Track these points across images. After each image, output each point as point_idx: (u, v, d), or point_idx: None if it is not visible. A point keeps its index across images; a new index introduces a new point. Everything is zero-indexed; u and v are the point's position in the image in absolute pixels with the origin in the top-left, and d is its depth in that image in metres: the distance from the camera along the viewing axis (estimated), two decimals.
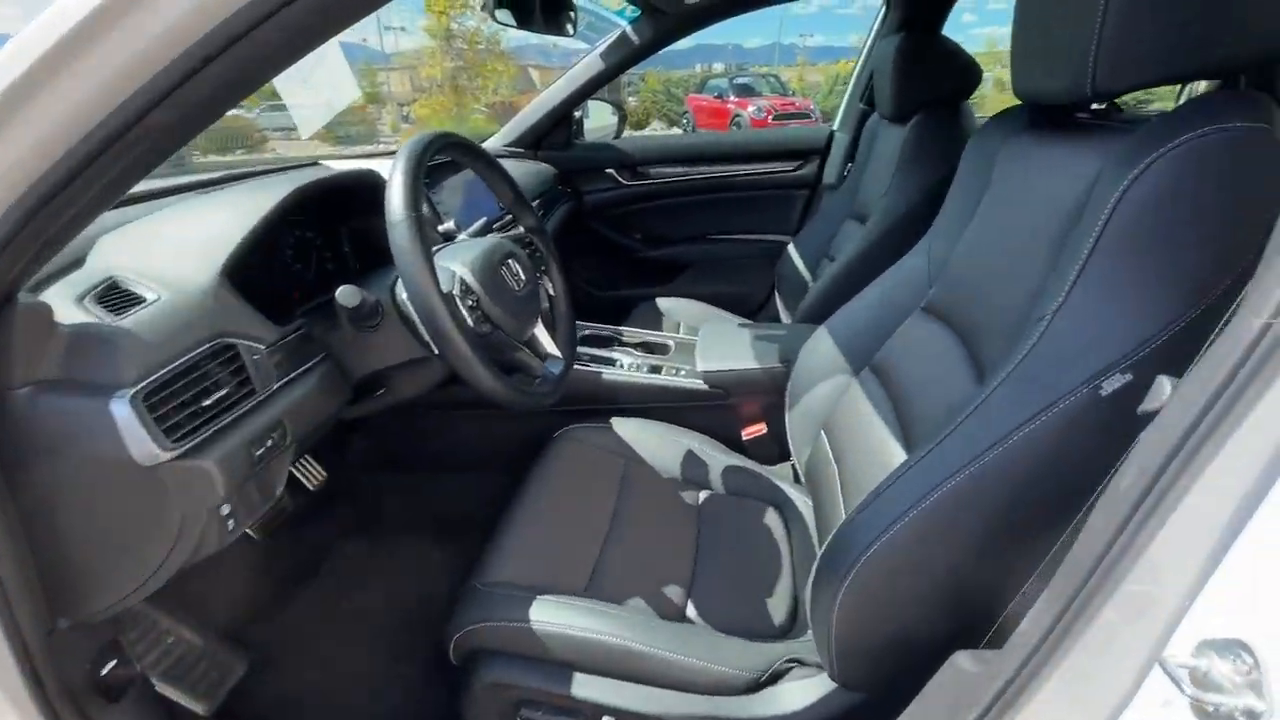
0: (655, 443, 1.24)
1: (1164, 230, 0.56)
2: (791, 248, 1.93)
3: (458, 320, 0.74)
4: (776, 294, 2.02)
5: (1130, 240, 0.57)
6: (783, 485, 1.20)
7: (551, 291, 1.09)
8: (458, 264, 0.83)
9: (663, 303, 2.01)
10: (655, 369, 1.38)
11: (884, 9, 1.79)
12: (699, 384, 1.32)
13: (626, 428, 1.25)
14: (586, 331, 1.52)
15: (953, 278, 0.94)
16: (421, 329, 0.78)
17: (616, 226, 2.21)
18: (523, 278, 0.92)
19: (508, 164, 1.93)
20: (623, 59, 1.80)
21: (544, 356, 0.99)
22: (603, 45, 1.83)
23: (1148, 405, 0.52)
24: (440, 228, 1.06)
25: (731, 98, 12.27)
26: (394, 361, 0.88)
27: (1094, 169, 0.66)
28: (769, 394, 1.30)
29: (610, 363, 1.40)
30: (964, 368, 0.81)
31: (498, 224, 1.38)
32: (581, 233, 2.17)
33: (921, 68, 1.39)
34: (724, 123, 12.26)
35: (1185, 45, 0.60)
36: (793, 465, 1.30)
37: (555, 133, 2.01)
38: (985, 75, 1.47)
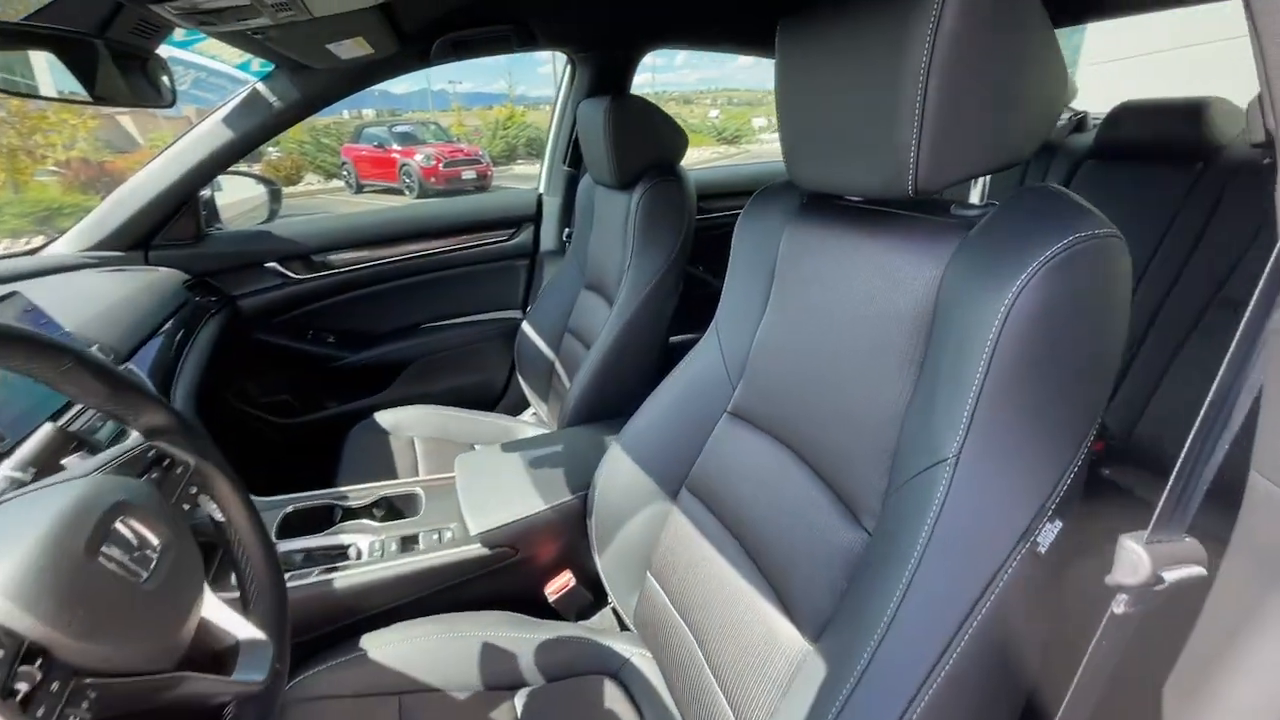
0: (434, 652, 0.89)
1: (1059, 351, 0.49)
2: (527, 325, 1.71)
3: None
4: (519, 377, 1.77)
5: (1028, 366, 0.49)
6: (611, 643, 0.96)
7: (220, 516, 0.66)
8: None
9: (384, 417, 1.60)
10: (409, 541, 1.01)
11: (569, 69, 1.69)
12: (475, 549, 1.00)
13: (387, 646, 0.87)
14: (288, 509, 1.06)
15: (760, 381, 0.82)
16: None
17: (295, 332, 1.70)
18: (153, 542, 0.50)
19: (99, 278, 1.31)
20: (262, 124, 1.36)
21: (229, 653, 0.57)
22: (227, 107, 1.35)
23: (1121, 577, 0.43)
24: None
25: (395, 146, 11.56)
26: None
27: (929, 272, 0.58)
28: (567, 534, 1.06)
29: (340, 554, 0.98)
30: (822, 499, 0.69)
31: (86, 419, 0.85)
32: (246, 348, 1.61)
33: (636, 134, 1.31)
34: (391, 172, 11.50)
35: (991, 143, 0.55)
36: (614, 609, 1.08)
37: (176, 224, 1.44)
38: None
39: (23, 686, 0.37)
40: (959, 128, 0.53)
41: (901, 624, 0.50)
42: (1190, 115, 1.40)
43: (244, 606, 0.63)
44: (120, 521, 0.49)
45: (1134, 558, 0.42)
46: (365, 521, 1.04)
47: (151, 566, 0.49)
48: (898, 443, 0.60)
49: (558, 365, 1.65)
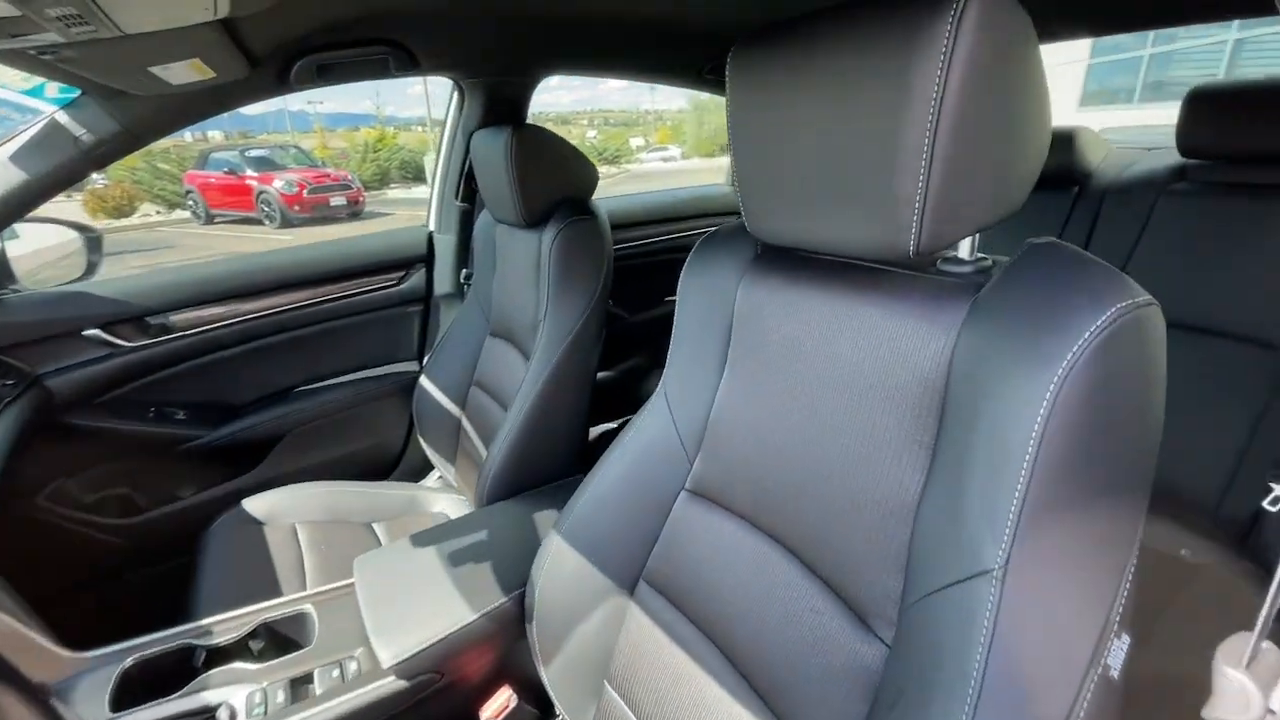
0: None
1: (1110, 437, 0.42)
2: (425, 379, 1.51)
3: None
4: (419, 437, 1.57)
5: (1078, 457, 0.42)
6: None
7: None
8: None
9: (255, 503, 1.34)
10: (300, 685, 0.81)
11: (458, 96, 1.53)
12: (390, 684, 0.81)
13: None
14: (128, 661, 0.82)
15: (724, 455, 0.72)
16: None
17: (130, 411, 1.39)
18: None
19: None
20: (69, 163, 1.08)
21: None
22: (13, 143, 1.06)
23: (1226, 713, 0.37)
24: None
25: (249, 172, 10.50)
26: None
27: (935, 342, 0.51)
28: (503, 644, 0.89)
29: (208, 717, 0.76)
30: (821, 601, 0.59)
31: None
32: (60, 438, 1.29)
33: (545, 168, 1.18)
34: (246, 200, 10.44)
35: (992, 195, 0.49)
36: None
37: None
38: None
39: None
40: (968, 176, 0.46)
41: None
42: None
43: None
44: None
45: (1238, 689, 0.35)
46: (238, 665, 0.82)
47: None
48: (912, 540, 0.52)
49: (465, 422, 1.47)
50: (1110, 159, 1.53)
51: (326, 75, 1.21)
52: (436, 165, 1.64)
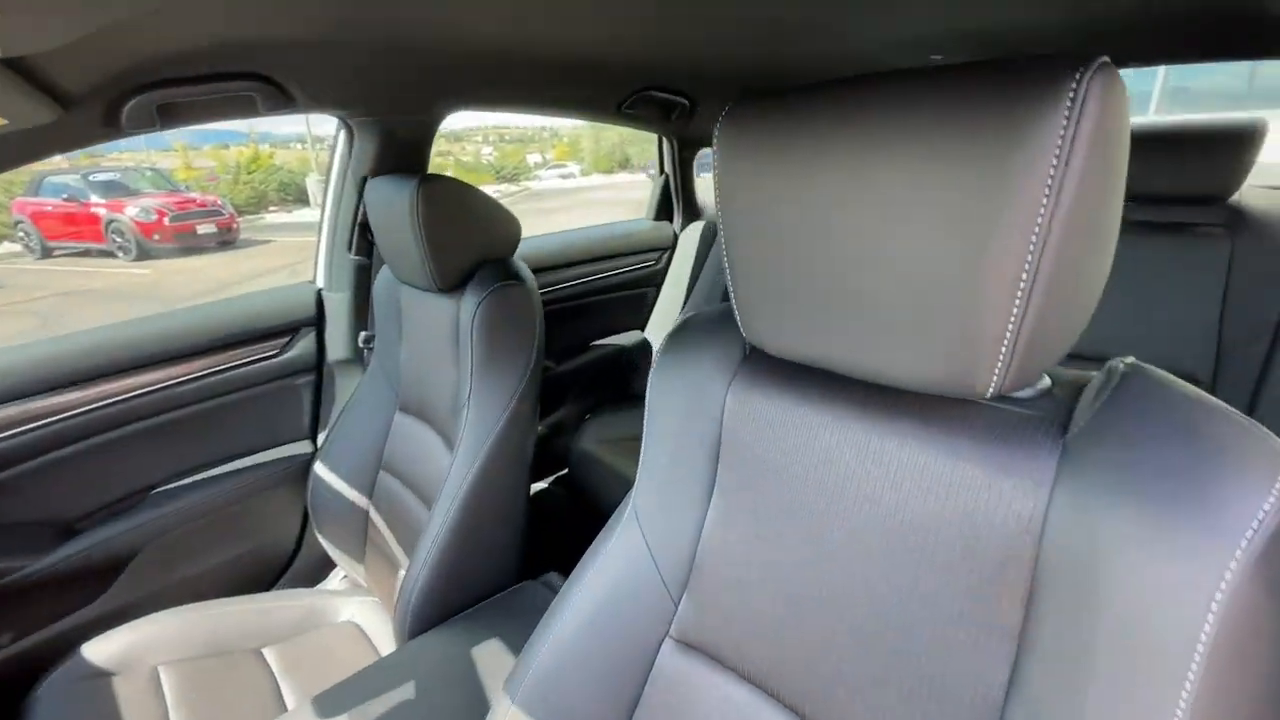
0: None
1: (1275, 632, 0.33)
2: (322, 465, 1.28)
3: None
4: (316, 533, 1.33)
5: (1244, 669, 0.32)
6: None
7: None
8: None
9: (101, 647, 1.09)
10: None
11: (343, 136, 1.32)
12: None
13: None
14: None
15: (721, 603, 0.59)
16: None
17: None
18: None
19: None
20: None
21: None
22: None
23: None
24: None
25: (95, 198, 9.27)
26: None
27: (1020, 505, 0.40)
28: None
29: None
30: None
31: None
32: None
33: (460, 226, 1.01)
34: (93, 230, 9.18)
35: (1073, 330, 0.39)
36: None
37: None
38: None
39: None
40: (1067, 299, 0.35)
41: None
42: None
43: None
44: None
45: None
46: None
47: None
48: None
49: (373, 513, 1.26)
50: None
51: (172, 117, 0.97)
52: (323, 210, 1.41)
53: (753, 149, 0.45)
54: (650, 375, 0.64)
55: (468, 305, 0.99)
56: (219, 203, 10.06)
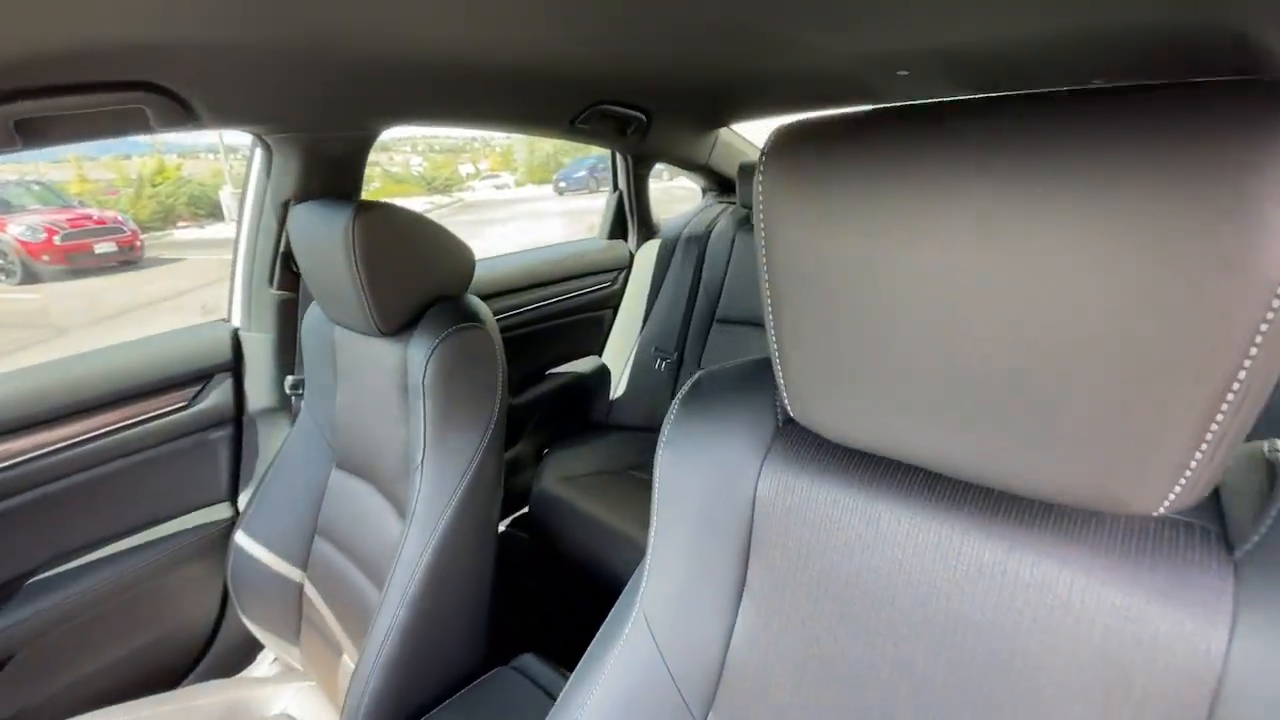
0: None
1: None
2: (245, 534, 1.10)
3: None
4: (239, 612, 1.14)
5: None
6: None
7: None
8: None
9: None
10: None
11: (260, 154, 1.14)
12: None
13: None
14: None
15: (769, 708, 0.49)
16: None
17: None
18: None
19: None
20: None
21: None
22: None
23: None
24: None
25: None
26: None
27: (1198, 641, 0.32)
28: None
29: None
30: None
31: None
32: None
33: (406, 259, 0.87)
34: None
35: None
36: None
37: None
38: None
39: None
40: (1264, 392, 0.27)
41: None
42: None
43: None
44: None
45: None
46: None
47: None
48: None
49: (309, 587, 1.09)
50: None
51: (36, 134, 0.80)
52: (237, 239, 1.23)
53: (813, 188, 0.35)
54: (660, 449, 0.53)
55: (418, 352, 0.86)
56: (119, 219, 9.22)
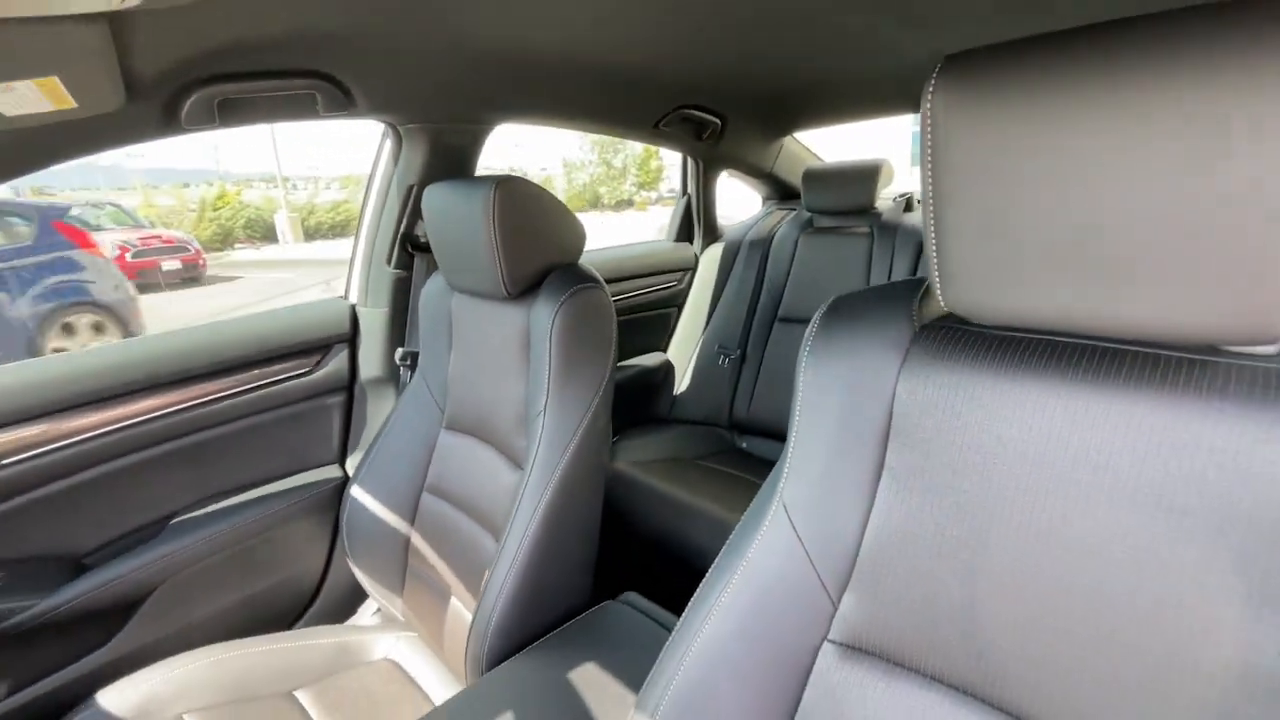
0: None
1: None
2: (358, 489, 1.20)
3: None
4: (349, 562, 1.23)
5: None
6: None
7: None
8: None
9: (119, 696, 0.99)
10: None
11: (392, 143, 1.28)
12: None
13: None
14: None
15: (897, 595, 0.54)
16: None
17: None
18: None
19: None
20: None
21: None
22: None
23: None
24: None
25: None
26: None
27: None
28: None
29: None
30: None
31: None
32: None
33: (534, 227, 0.97)
34: None
35: None
36: None
37: None
38: None
39: None
40: None
41: None
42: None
43: None
44: None
45: None
46: None
47: None
48: None
49: (416, 539, 1.17)
50: None
51: (231, 114, 0.93)
52: (360, 223, 1.36)
53: (978, 101, 0.43)
54: (804, 360, 0.61)
55: (542, 311, 0.95)
56: (185, 239, 9.79)
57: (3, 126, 0.70)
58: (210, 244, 12.59)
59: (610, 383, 0.97)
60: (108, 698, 0.95)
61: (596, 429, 0.95)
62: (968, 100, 0.43)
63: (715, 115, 1.61)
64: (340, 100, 1.00)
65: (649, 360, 1.99)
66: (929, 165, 0.46)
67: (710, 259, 2.04)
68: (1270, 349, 0.41)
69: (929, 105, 0.45)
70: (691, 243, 2.09)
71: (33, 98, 0.63)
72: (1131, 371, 0.44)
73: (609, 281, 1.85)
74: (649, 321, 2.00)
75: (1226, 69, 0.34)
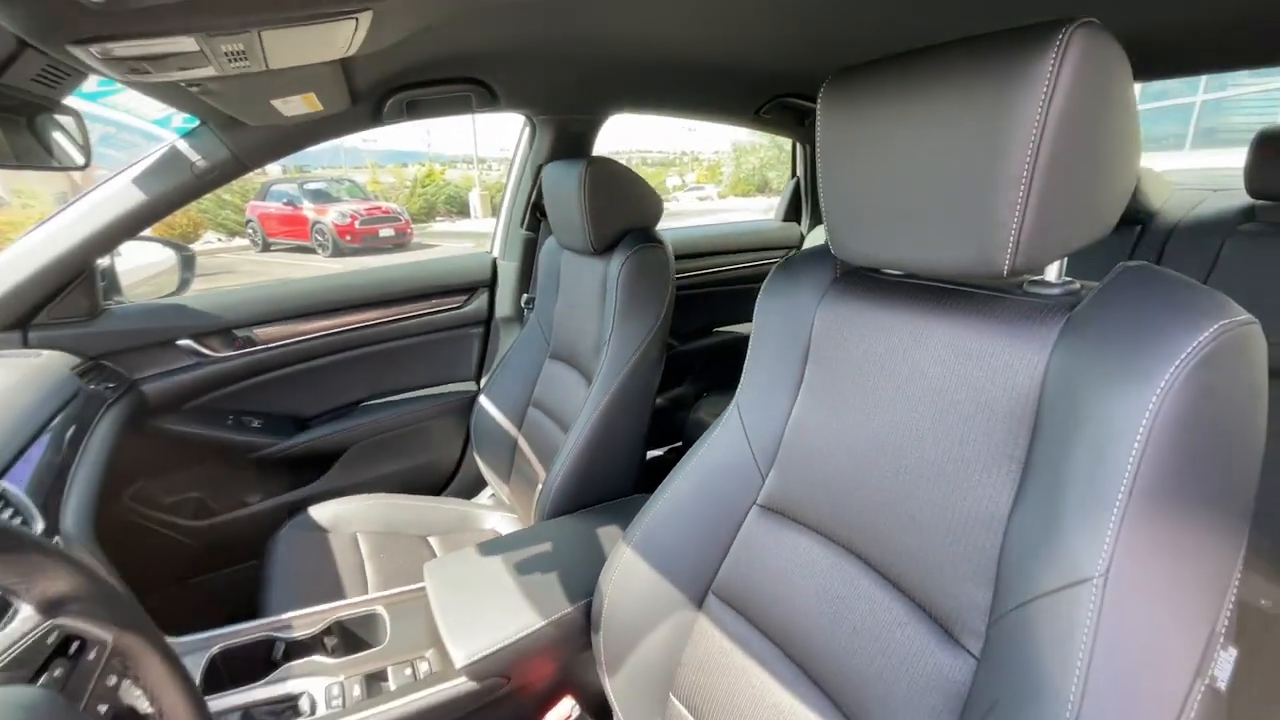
0: None
1: (1212, 453, 0.44)
2: (485, 399, 1.56)
3: None
4: (475, 456, 1.61)
5: (1179, 471, 0.43)
6: None
7: (146, 706, 0.49)
8: None
9: (320, 511, 1.39)
10: (375, 680, 0.83)
11: (529, 130, 1.62)
12: (461, 685, 0.83)
13: None
14: (214, 649, 0.86)
15: (799, 471, 0.74)
16: None
17: (212, 418, 1.47)
18: None
19: None
20: (182, 186, 1.18)
21: None
22: (137, 167, 1.17)
23: None
24: None
25: (306, 204, 11.08)
26: None
27: (1028, 359, 0.53)
28: (568, 652, 0.91)
29: (290, 709, 0.79)
30: (904, 613, 0.60)
31: None
32: (148, 441, 1.37)
33: (614, 198, 1.24)
34: (303, 231, 10.97)
35: (1087, 217, 0.51)
36: None
37: (65, 299, 1.22)
38: None
39: None
40: (1062, 201, 0.48)
41: None
42: None
43: None
44: None
45: None
46: (316, 659, 0.86)
47: None
48: (1003, 552, 0.53)
49: (521, 442, 1.51)
50: (1175, 200, 1.53)
51: (414, 110, 1.30)
52: (505, 193, 1.73)
53: (843, 111, 0.61)
54: (759, 299, 0.81)
55: (615, 263, 1.22)
56: (399, 211, 11.53)
57: (285, 122, 1.12)
58: (417, 216, 14.64)
59: (663, 324, 1.21)
60: (315, 512, 1.40)
61: (649, 358, 1.21)
62: (837, 104, 0.62)
63: (812, 102, 1.74)
64: (487, 98, 1.34)
65: (744, 329, 2.18)
66: (819, 150, 0.65)
67: (816, 238, 2.16)
68: (1054, 286, 0.55)
69: (819, 109, 0.64)
70: (799, 223, 2.22)
71: (298, 104, 1.03)
72: (942, 303, 0.60)
73: (714, 254, 2.08)
74: (750, 293, 2.18)
75: (972, 89, 0.50)
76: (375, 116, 1.28)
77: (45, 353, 1.18)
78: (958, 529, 0.56)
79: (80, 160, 0.82)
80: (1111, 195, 0.51)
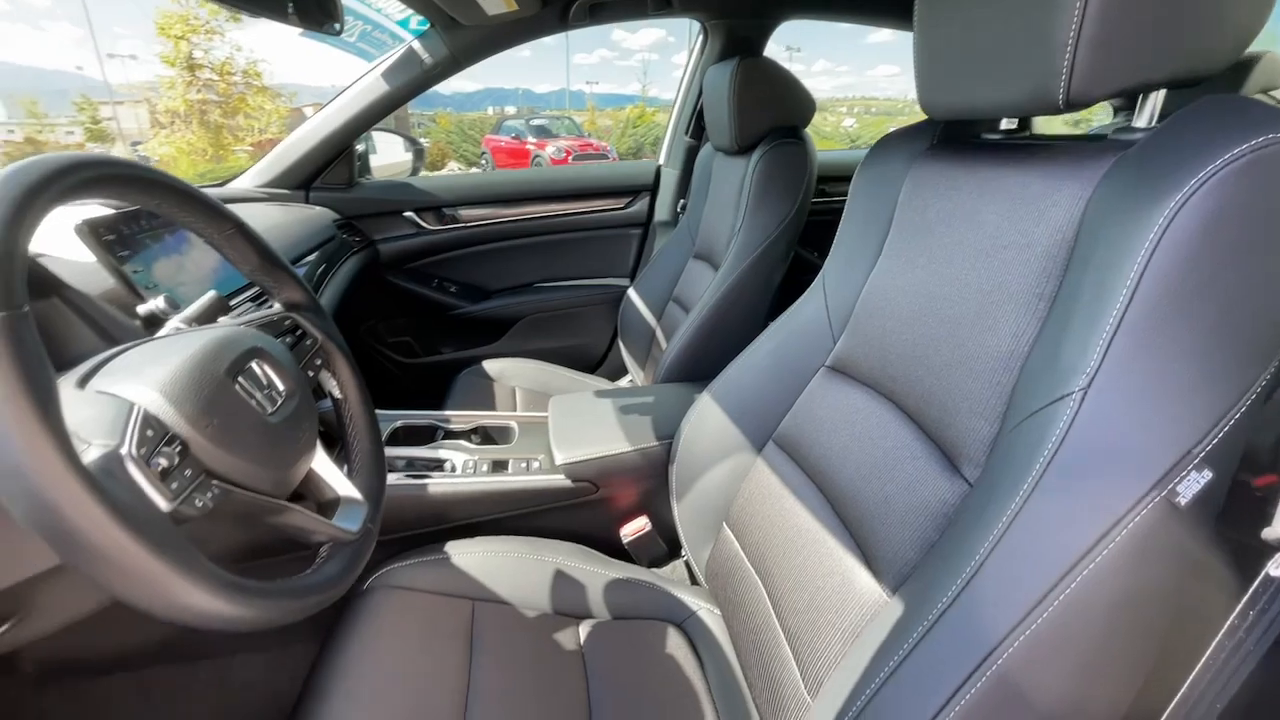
0: (510, 568, 0.92)
1: (1227, 275, 0.42)
2: (633, 292, 1.73)
3: (121, 507, 0.37)
4: (620, 343, 1.80)
5: (1186, 291, 0.42)
6: (680, 594, 0.95)
7: (337, 393, 0.73)
8: (141, 384, 0.45)
9: (491, 365, 1.68)
10: (498, 465, 1.06)
11: (702, 37, 1.69)
12: (558, 480, 1.02)
13: (468, 554, 0.92)
14: (397, 423, 1.15)
15: (865, 332, 0.77)
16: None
17: (423, 279, 1.84)
18: (280, 387, 0.56)
19: (266, 209, 1.49)
20: (412, 80, 1.48)
21: (331, 505, 0.62)
22: (385, 63, 1.49)
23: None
24: (141, 310, 0.65)
25: (530, 139, 12.23)
26: (16, 578, 0.47)
27: (1072, 194, 0.52)
28: (649, 480, 1.06)
29: (437, 466, 1.04)
30: (920, 449, 0.64)
31: (243, 299, 0.98)
32: (379, 289, 1.77)
33: (761, 95, 1.28)
34: (524, 163, 12.16)
35: (1164, 47, 0.48)
36: (687, 563, 1.06)
37: (333, 170, 1.61)
38: None
39: (162, 463, 0.43)
40: (1126, 26, 0.46)
41: (994, 566, 0.45)
42: None
43: (348, 472, 0.69)
44: (256, 362, 0.55)
45: None
46: (463, 443, 1.11)
47: (277, 405, 0.55)
48: (1015, 384, 0.54)
49: (658, 332, 1.66)
50: None
51: (596, 15, 1.45)
52: (675, 101, 1.84)
53: None
54: (854, 177, 0.83)
55: (754, 158, 1.27)
56: (607, 149, 12.20)
57: (489, 22, 1.34)
58: (624, 155, 15.31)
59: (795, 219, 1.25)
60: (488, 366, 1.71)
61: (775, 252, 1.26)
62: None
63: None
64: (663, 2, 1.43)
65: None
66: (917, 11, 0.66)
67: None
68: (1137, 134, 0.53)
69: None
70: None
71: (499, 3, 1.22)
72: (1024, 155, 0.60)
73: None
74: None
75: None
76: (563, 19, 1.44)
77: (318, 208, 1.58)
78: (981, 366, 0.58)
79: (334, 27, 1.08)
80: (1207, 31, 0.47)
